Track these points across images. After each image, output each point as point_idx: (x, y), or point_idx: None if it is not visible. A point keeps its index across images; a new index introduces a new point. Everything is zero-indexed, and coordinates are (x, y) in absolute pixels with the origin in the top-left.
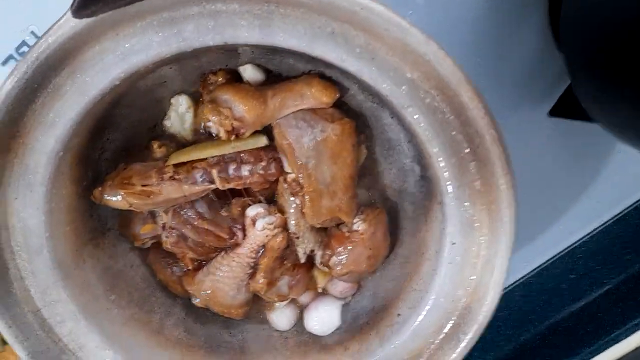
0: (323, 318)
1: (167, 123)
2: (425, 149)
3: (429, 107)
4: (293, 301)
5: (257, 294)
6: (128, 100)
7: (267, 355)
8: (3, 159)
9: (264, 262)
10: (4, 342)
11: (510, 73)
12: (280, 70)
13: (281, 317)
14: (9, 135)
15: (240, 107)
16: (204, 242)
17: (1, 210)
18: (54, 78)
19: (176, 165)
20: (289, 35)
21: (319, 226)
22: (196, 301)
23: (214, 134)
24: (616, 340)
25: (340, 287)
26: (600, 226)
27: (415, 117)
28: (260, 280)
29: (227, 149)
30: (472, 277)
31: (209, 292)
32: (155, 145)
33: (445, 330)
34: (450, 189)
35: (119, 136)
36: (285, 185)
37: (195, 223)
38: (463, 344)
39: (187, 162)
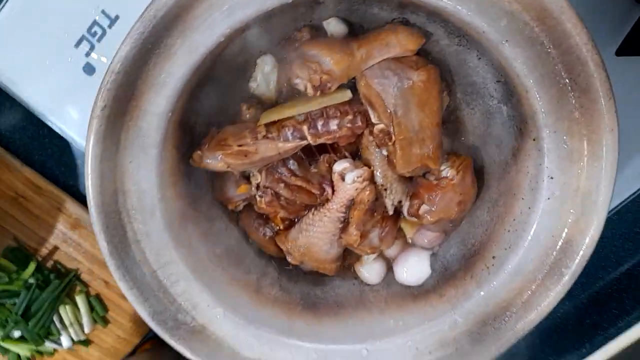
0: (413, 268)
1: (252, 85)
2: (520, 84)
3: (528, 39)
4: (381, 255)
5: (348, 248)
6: (220, 64)
7: (362, 309)
8: (120, 122)
9: (355, 215)
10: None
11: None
12: (362, 22)
13: (371, 271)
14: (126, 98)
15: (328, 60)
16: (295, 200)
17: (118, 175)
18: (166, 38)
19: (266, 125)
20: None
21: (408, 175)
22: (290, 258)
23: (301, 91)
24: None
25: (427, 237)
26: None
27: (513, 51)
28: (354, 232)
29: (314, 106)
30: (572, 210)
31: (304, 248)
32: (244, 107)
33: (547, 266)
34: (548, 122)
35: (211, 101)
36: (371, 138)
37: (288, 180)
38: (566, 278)
39: (277, 121)
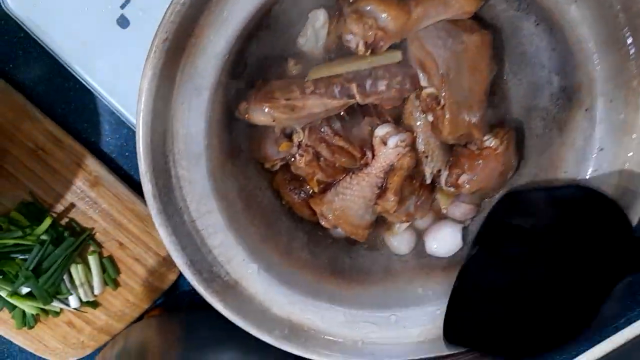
0: (445, 240)
1: (301, 40)
2: (580, 50)
3: (597, 1)
4: (411, 226)
5: (382, 216)
6: (273, 15)
7: (389, 278)
8: (178, 59)
9: (394, 180)
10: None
11: None
12: None
13: (401, 241)
14: (186, 33)
15: (385, 15)
16: (334, 162)
17: (170, 115)
18: None
19: (314, 81)
20: None
21: (452, 142)
22: (324, 222)
23: (352, 48)
24: None
25: (462, 209)
26: None
27: (581, 13)
28: (391, 198)
29: (363, 65)
30: (618, 184)
31: (339, 211)
32: (292, 62)
33: None
34: (605, 90)
35: (260, 52)
36: (417, 103)
37: (330, 140)
38: None
39: (325, 78)
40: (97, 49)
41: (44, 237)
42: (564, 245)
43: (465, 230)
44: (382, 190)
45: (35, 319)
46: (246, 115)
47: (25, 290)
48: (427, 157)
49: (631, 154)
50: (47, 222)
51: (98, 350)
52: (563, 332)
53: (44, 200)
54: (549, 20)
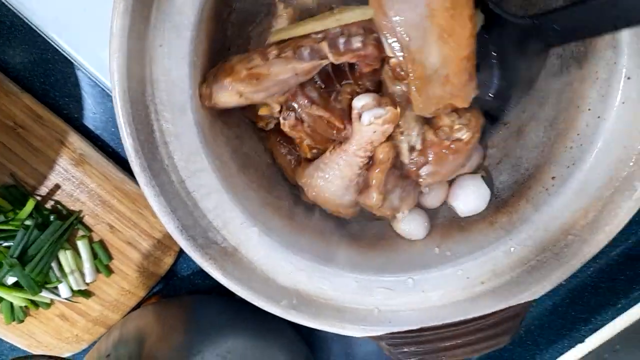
0: (472, 197)
1: None
2: None
3: None
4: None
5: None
6: None
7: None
8: None
9: (376, 176)
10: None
11: None
12: None
13: (411, 225)
14: None
15: None
16: (316, 129)
17: (147, 59)
18: None
19: (278, 45)
20: None
21: (430, 116)
22: (303, 196)
23: None
24: None
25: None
26: None
27: None
28: (374, 197)
29: (330, 23)
30: None
31: (317, 188)
32: (281, 6)
33: (617, 181)
34: None
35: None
36: (389, 70)
37: (308, 110)
38: (639, 192)
39: (292, 40)
40: (75, 16)
41: (28, 221)
42: None
43: (486, 177)
44: (364, 185)
45: (25, 312)
46: (210, 100)
47: (11, 280)
48: (402, 132)
49: None
50: (30, 205)
51: (94, 344)
52: None
53: (26, 182)
54: None
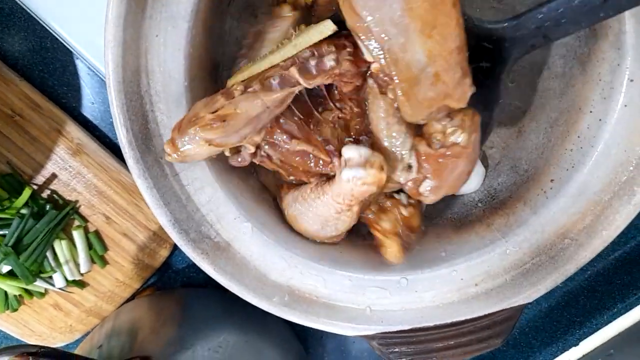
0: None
1: None
2: None
3: None
4: None
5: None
6: None
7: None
8: None
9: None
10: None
11: None
12: None
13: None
14: None
15: None
16: (295, 164)
17: (143, 49)
18: None
19: (244, 83)
20: None
21: (422, 122)
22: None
23: None
24: None
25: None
26: None
27: None
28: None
29: (288, 51)
30: None
31: (292, 220)
32: (287, 8)
33: (616, 185)
34: (636, 10)
35: None
36: (372, 82)
37: (288, 147)
38: (638, 197)
39: (257, 75)
40: (75, 5)
41: (23, 210)
42: None
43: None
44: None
45: (19, 301)
46: (177, 155)
47: (5, 268)
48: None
49: None
50: (27, 193)
51: (88, 334)
52: None
53: (23, 170)
54: None
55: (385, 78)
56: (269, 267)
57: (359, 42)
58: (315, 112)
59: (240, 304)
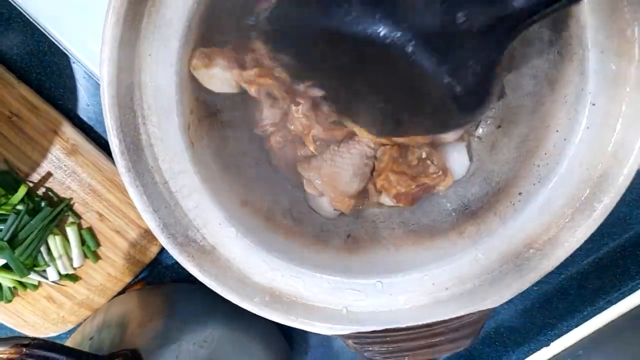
0: (455, 162)
1: None
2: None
3: None
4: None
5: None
6: None
7: (377, 244)
8: (143, 5)
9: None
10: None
11: None
12: None
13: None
14: None
15: None
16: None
17: (136, 67)
18: None
19: None
20: None
21: None
22: (310, 188)
23: None
24: None
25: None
26: None
27: None
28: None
29: None
30: (612, 140)
31: (327, 177)
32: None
33: (578, 200)
34: (596, 40)
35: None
36: None
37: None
38: (598, 212)
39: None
40: (72, 9)
41: (19, 206)
42: None
43: (455, 195)
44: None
45: (13, 292)
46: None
47: (1, 262)
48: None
49: (624, 107)
50: (23, 191)
51: (79, 325)
52: None
53: (20, 169)
54: None
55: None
56: (252, 269)
57: None
58: None
59: (226, 300)
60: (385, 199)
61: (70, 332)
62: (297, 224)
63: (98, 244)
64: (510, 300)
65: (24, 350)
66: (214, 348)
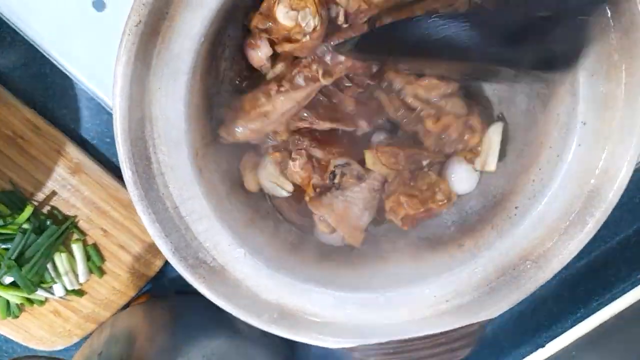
0: (464, 177)
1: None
2: None
3: None
4: None
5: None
6: None
7: (379, 259)
8: (153, 43)
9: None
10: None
11: None
12: None
13: None
14: (159, 16)
15: None
16: (328, 157)
17: (146, 101)
18: None
19: (276, 80)
20: None
21: None
22: (323, 226)
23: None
24: None
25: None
26: None
27: None
28: None
29: None
30: (602, 157)
31: (341, 212)
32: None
33: (571, 215)
34: (585, 64)
35: (236, 33)
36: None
37: (316, 126)
38: (590, 226)
39: (285, 71)
40: (73, 33)
41: (25, 225)
42: None
43: (454, 208)
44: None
45: (20, 308)
46: (229, 139)
47: (8, 279)
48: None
49: (614, 126)
50: (29, 210)
51: (85, 338)
52: None
53: (25, 188)
54: None
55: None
56: (260, 287)
57: None
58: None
59: None
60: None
61: (77, 345)
62: (301, 242)
63: (103, 260)
64: None
65: None
66: (221, 359)
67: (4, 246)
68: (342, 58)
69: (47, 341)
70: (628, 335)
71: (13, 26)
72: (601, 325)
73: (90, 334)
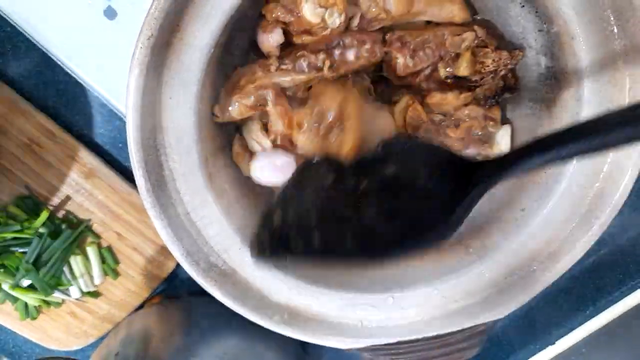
0: None
1: None
2: (566, 32)
3: None
4: None
5: None
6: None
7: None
8: (164, 55)
9: None
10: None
11: None
12: None
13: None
14: (170, 29)
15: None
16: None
17: (158, 111)
18: None
19: (279, 57)
20: None
21: None
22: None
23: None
24: None
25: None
26: None
27: None
28: None
29: None
30: (607, 160)
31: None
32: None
33: (577, 217)
34: (590, 71)
35: (245, 41)
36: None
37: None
38: (595, 227)
39: (291, 51)
40: (85, 41)
41: (41, 230)
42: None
43: None
44: None
45: (38, 310)
46: (224, 116)
47: (26, 282)
48: None
49: None
50: (44, 215)
51: (101, 338)
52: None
53: (40, 193)
54: (533, 3)
55: None
56: (270, 288)
57: None
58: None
59: None
60: None
61: (93, 345)
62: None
63: (117, 262)
64: None
65: None
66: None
67: (21, 250)
68: (350, 58)
69: (64, 342)
70: (638, 332)
71: (27, 35)
72: (611, 323)
73: (106, 334)
